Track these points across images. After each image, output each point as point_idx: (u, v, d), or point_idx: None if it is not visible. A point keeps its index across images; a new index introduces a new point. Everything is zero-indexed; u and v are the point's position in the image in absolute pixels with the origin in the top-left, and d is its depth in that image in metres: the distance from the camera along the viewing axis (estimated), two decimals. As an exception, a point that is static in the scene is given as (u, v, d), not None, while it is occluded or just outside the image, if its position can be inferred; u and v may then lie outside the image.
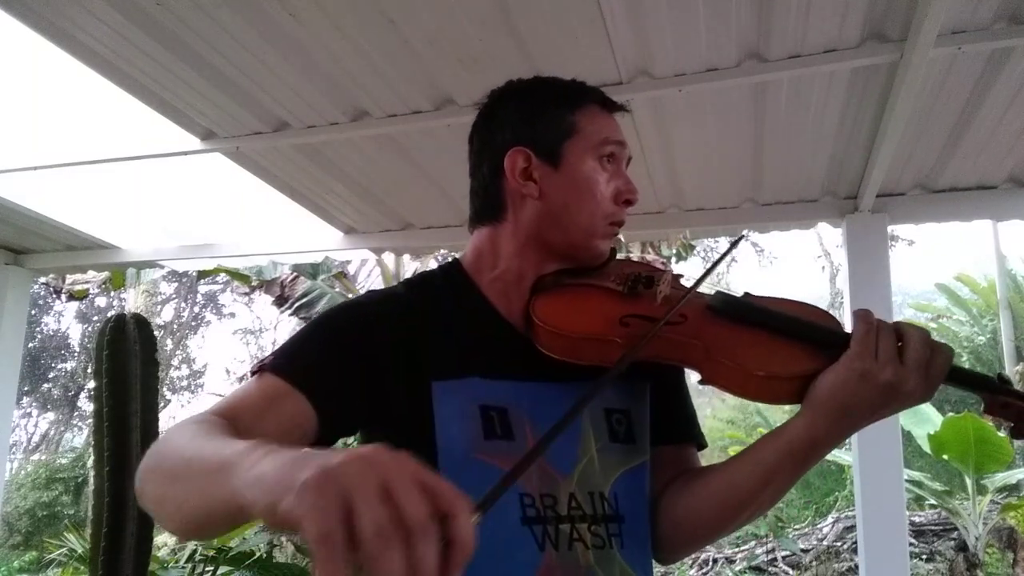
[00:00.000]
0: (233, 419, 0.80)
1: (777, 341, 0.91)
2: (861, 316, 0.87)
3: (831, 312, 1.00)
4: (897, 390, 0.83)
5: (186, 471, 0.69)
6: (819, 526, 7.45)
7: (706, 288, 0.98)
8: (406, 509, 0.47)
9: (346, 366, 0.90)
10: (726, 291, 1.00)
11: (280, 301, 6.11)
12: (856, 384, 0.83)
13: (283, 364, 0.88)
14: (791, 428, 0.89)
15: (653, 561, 1.01)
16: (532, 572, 0.86)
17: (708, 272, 0.94)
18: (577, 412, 0.74)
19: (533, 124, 1.00)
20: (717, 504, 0.96)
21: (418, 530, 0.47)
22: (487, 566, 0.85)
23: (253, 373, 0.89)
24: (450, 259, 1.09)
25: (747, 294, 1.00)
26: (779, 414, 9.39)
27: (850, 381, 0.83)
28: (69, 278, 5.05)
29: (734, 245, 0.96)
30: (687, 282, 1.03)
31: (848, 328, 0.89)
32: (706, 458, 1.10)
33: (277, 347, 0.94)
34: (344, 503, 0.47)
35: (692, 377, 1.01)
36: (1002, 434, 5.96)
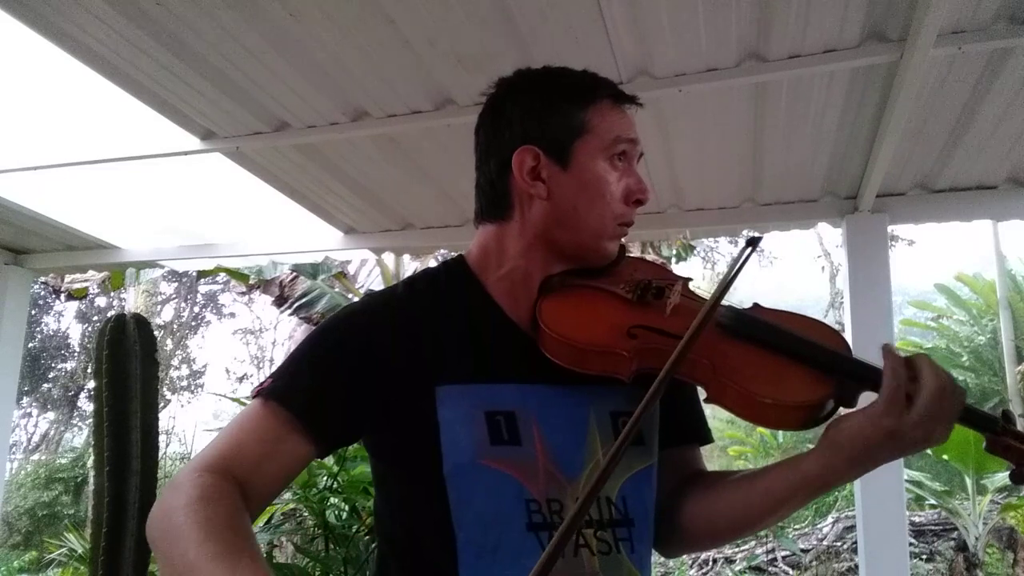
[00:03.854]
0: (233, 470, 0.84)
1: (785, 365, 0.89)
2: (891, 369, 0.83)
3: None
4: (925, 444, 0.83)
5: None
6: (819, 526, 7.45)
7: (707, 293, 0.97)
8: None
9: (345, 385, 0.90)
10: (736, 306, 0.98)
11: (280, 301, 6.11)
12: (883, 439, 0.82)
13: (283, 392, 0.89)
14: (806, 464, 0.88)
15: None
16: None
17: (724, 291, 0.89)
18: (622, 449, 0.74)
19: (543, 121, 0.97)
20: (727, 521, 0.97)
21: None
22: (492, 571, 0.85)
23: (253, 395, 0.90)
24: (454, 256, 1.08)
25: (756, 305, 0.98)
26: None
27: (877, 436, 0.82)
28: (68, 277, 5.05)
29: (747, 254, 0.92)
30: (696, 287, 1.01)
31: (855, 346, 0.88)
32: (705, 456, 1.11)
33: (277, 367, 0.95)
34: None
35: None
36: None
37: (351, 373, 0.90)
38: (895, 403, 0.81)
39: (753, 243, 0.92)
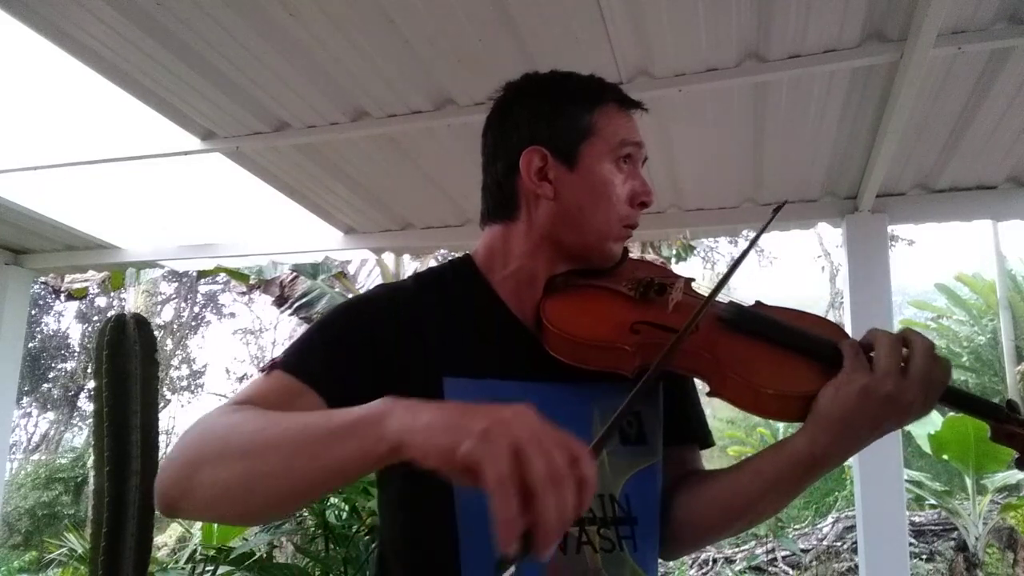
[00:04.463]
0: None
1: (788, 357, 0.89)
2: (847, 340, 0.87)
3: (831, 315, 0.99)
4: (897, 402, 0.82)
5: (287, 441, 0.71)
6: (819, 526, 7.45)
7: (710, 289, 0.97)
8: (556, 458, 0.58)
9: (355, 364, 0.90)
10: (738, 301, 0.99)
11: (280, 301, 6.11)
12: (858, 398, 0.82)
13: (295, 363, 0.88)
14: (793, 443, 0.88)
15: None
16: (539, 575, 0.85)
17: (723, 282, 0.92)
18: (616, 426, 0.75)
19: (550, 123, 0.99)
20: (718, 510, 0.97)
21: (565, 475, 0.58)
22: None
23: (263, 370, 0.89)
24: (460, 255, 1.08)
25: (758, 303, 0.98)
26: (779, 414, 9.36)
27: (851, 396, 0.82)
28: (68, 277, 5.05)
29: (770, 219, 0.94)
30: (697, 287, 1.01)
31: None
32: (705, 458, 1.10)
33: (287, 346, 0.94)
34: (515, 451, 0.58)
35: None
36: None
37: (358, 357, 0.90)
38: (858, 358, 0.84)
39: (778, 209, 0.97)
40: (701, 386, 0.99)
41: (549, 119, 0.99)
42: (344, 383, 0.88)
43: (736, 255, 1.06)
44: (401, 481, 0.96)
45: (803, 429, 0.87)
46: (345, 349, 0.90)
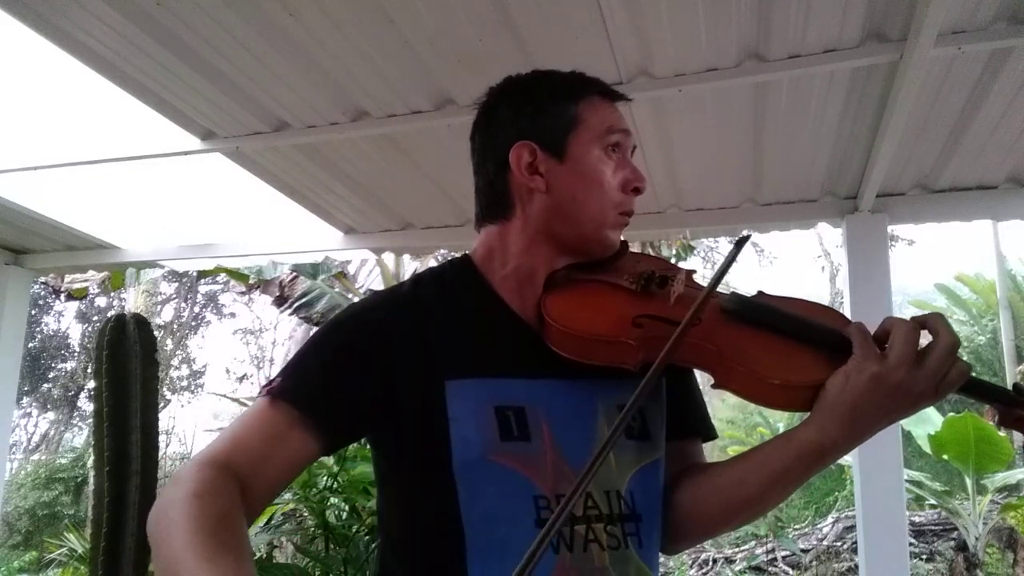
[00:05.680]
0: (236, 465, 0.83)
1: (793, 347, 0.89)
2: (856, 326, 0.87)
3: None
4: (908, 392, 0.82)
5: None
6: (819, 526, 7.45)
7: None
8: None
9: (351, 384, 0.90)
10: (740, 292, 0.98)
11: (280, 301, 6.11)
12: (868, 386, 0.82)
13: (290, 391, 0.89)
14: (801, 433, 0.87)
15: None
16: (547, 574, 0.85)
17: (722, 273, 0.91)
18: (611, 441, 0.74)
19: (536, 118, 0.99)
20: (722, 501, 0.97)
21: None
22: (501, 569, 0.84)
23: (260, 394, 0.91)
24: (459, 255, 1.08)
25: (761, 293, 0.98)
26: (778, 414, 9.39)
27: (861, 384, 0.82)
28: (68, 277, 5.05)
29: (740, 245, 0.94)
30: (699, 278, 1.01)
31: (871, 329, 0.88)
32: (706, 456, 1.10)
33: (284, 366, 0.95)
34: None
35: (700, 375, 1.00)
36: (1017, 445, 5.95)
37: (357, 373, 0.91)
38: (868, 346, 0.83)
39: (741, 242, 0.95)
40: (705, 378, 0.99)
41: (534, 115, 1.00)
42: (338, 408, 0.90)
43: (736, 257, 1.05)
44: (402, 479, 0.96)
45: (811, 419, 0.86)
46: (341, 368, 0.91)
